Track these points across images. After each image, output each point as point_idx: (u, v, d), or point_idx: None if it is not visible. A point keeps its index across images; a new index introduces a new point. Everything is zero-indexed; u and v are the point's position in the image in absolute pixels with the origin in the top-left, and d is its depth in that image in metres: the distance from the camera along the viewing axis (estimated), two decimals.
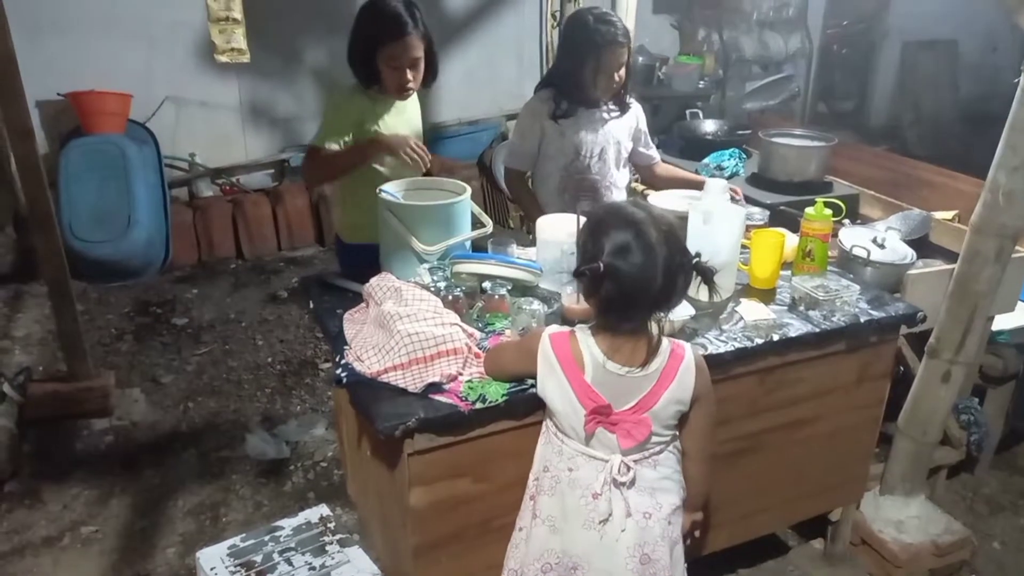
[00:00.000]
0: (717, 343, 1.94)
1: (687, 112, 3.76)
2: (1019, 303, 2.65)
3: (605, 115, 2.68)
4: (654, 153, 2.90)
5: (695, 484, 1.70)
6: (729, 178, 3.26)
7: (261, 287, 4.45)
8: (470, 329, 1.85)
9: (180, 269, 4.61)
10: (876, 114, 7.13)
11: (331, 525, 2.22)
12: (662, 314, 1.58)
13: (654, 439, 1.59)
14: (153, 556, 2.51)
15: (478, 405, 1.67)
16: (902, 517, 2.44)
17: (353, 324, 1.97)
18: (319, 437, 3.09)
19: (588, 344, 1.56)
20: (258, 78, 4.82)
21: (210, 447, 3.03)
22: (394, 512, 1.86)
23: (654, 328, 1.59)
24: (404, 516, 1.75)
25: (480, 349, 1.83)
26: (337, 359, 1.85)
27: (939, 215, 2.85)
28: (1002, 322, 2.69)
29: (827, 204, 2.31)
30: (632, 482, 1.57)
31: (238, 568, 1.93)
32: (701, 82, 5.62)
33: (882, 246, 2.55)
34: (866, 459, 2.38)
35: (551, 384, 1.59)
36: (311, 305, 2.20)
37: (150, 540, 2.57)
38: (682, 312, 1.96)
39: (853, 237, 2.56)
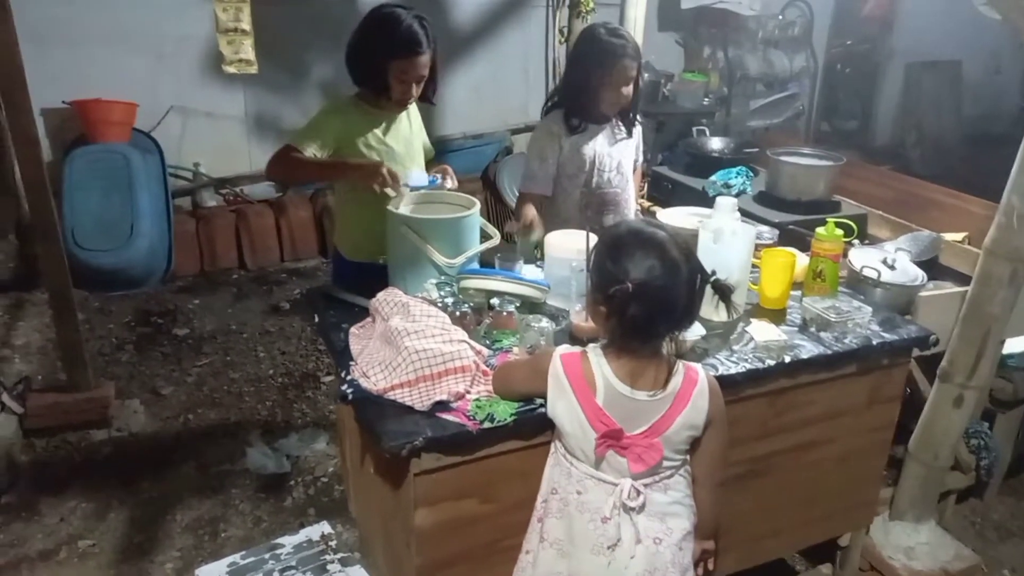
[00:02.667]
0: (728, 364, 1.91)
1: (694, 129, 3.74)
2: None
3: (616, 131, 2.67)
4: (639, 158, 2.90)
5: (704, 511, 1.67)
6: (736, 196, 3.24)
7: (263, 298, 4.43)
8: (478, 346, 1.82)
9: (182, 279, 4.59)
10: (880, 133, 7.13)
11: (332, 543, 2.20)
12: (678, 334, 1.56)
13: (665, 463, 1.55)
14: (151, 572, 2.47)
15: (486, 424, 1.64)
16: (912, 543, 2.41)
17: (359, 339, 1.95)
18: (320, 452, 3.05)
19: (600, 365, 1.54)
20: (264, 89, 4.82)
21: (210, 460, 3.00)
22: (398, 532, 1.83)
23: (667, 348, 1.56)
24: (409, 537, 1.72)
25: (488, 367, 1.81)
26: (343, 375, 1.82)
27: (949, 236, 2.83)
28: (1012, 345, 2.66)
29: (838, 224, 2.29)
30: (642, 507, 1.54)
31: None
32: (706, 99, 5.63)
33: (892, 267, 2.53)
34: (876, 483, 2.35)
35: (561, 405, 1.56)
36: (316, 319, 2.18)
37: (148, 555, 2.53)
38: (693, 332, 1.93)
39: (863, 258, 2.53)
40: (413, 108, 2.47)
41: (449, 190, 2.36)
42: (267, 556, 2.02)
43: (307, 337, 3.94)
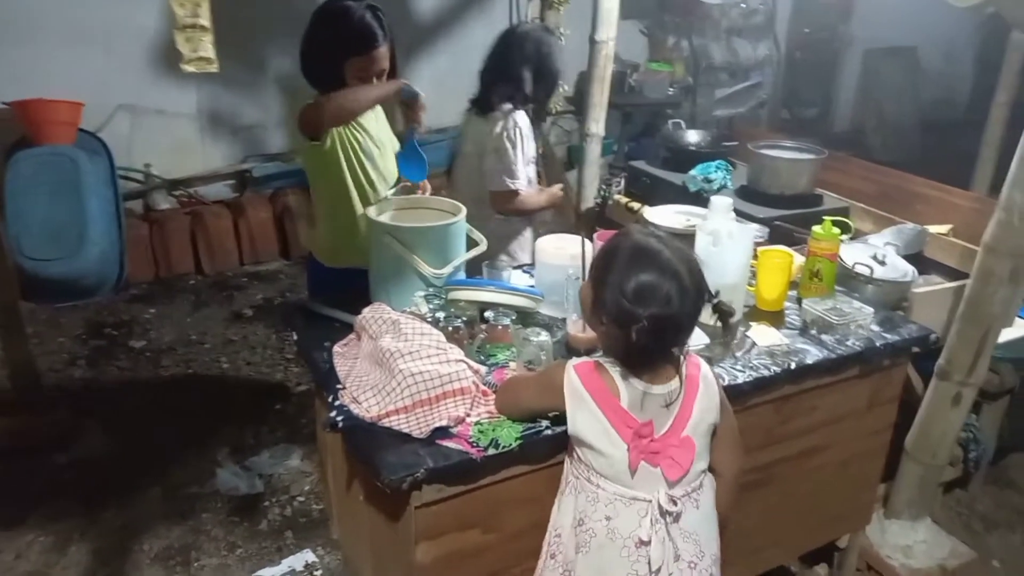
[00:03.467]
0: (734, 372, 1.84)
1: (670, 122, 3.66)
2: (1016, 319, 2.62)
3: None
4: None
5: (723, 507, 1.59)
6: (717, 191, 3.18)
7: (224, 305, 4.23)
8: (475, 365, 1.71)
9: (136, 287, 4.36)
10: (840, 120, 7.18)
11: (317, 573, 2.07)
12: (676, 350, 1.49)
13: (694, 466, 1.47)
14: None
15: (491, 451, 1.54)
16: (909, 542, 2.38)
17: (344, 359, 1.82)
18: (294, 469, 2.91)
19: (616, 371, 1.46)
20: (216, 85, 4.60)
21: (177, 482, 2.83)
22: (394, 566, 1.71)
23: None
24: (409, 572, 1.60)
25: (486, 385, 1.70)
26: (330, 400, 1.69)
27: (933, 229, 2.81)
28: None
29: (834, 223, 2.22)
30: (679, 516, 1.45)
31: None
32: (671, 89, 5.58)
33: (882, 263, 2.49)
34: (874, 484, 2.32)
35: (583, 418, 1.46)
36: (295, 337, 2.04)
37: None
38: (697, 340, 1.86)
39: (854, 254, 2.49)
40: None
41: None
42: None
43: (273, 346, 3.77)
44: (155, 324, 3.99)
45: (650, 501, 1.43)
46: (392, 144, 2.41)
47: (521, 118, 2.59)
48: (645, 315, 1.37)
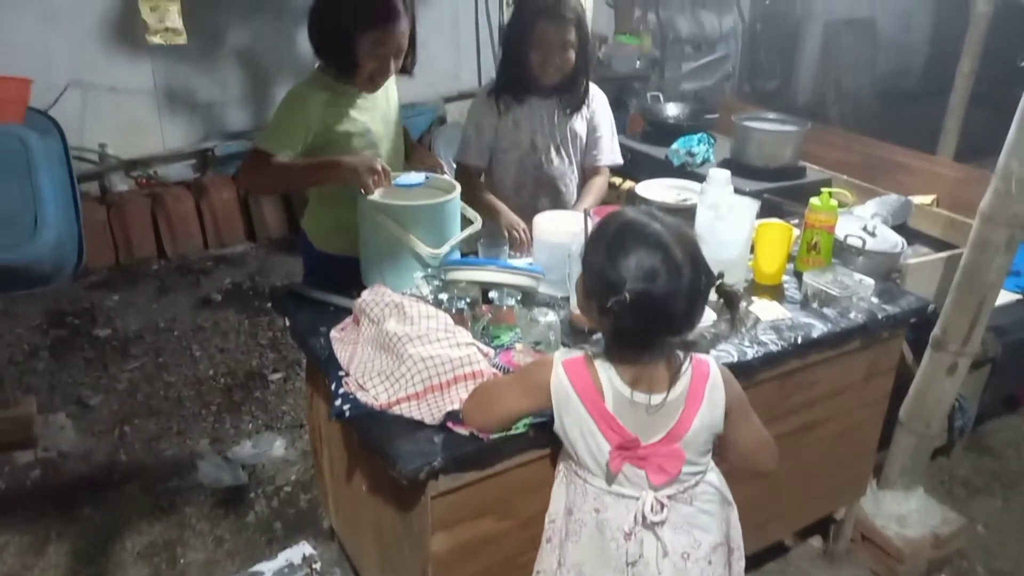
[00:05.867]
0: (743, 348, 1.82)
1: (648, 95, 3.62)
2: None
3: (561, 106, 2.42)
4: (604, 160, 2.55)
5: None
6: (700, 164, 3.15)
7: (190, 290, 4.08)
8: (485, 348, 1.65)
9: (96, 273, 4.17)
10: (801, 92, 7.22)
11: (316, 565, 2.02)
12: (678, 339, 1.41)
13: (687, 470, 1.41)
14: None
15: (500, 434, 1.49)
16: (903, 511, 2.40)
17: (343, 344, 1.74)
18: (278, 458, 2.82)
19: (607, 370, 1.38)
20: (174, 59, 4.39)
21: (155, 477, 2.72)
22: (405, 557, 1.66)
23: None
24: (424, 564, 1.55)
25: (494, 367, 1.64)
26: (333, 387, 1.62)
27: (917, 199, 2.82)
28: None
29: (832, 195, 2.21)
30: (665, 520, 1.40)
31: None
32: (638, 62, 5.53)
33: (873, 234, 2.49)
34: (870, 455, 2.33)
35: (569, 419, 1.40)
36: (287, 323, 1.95)
37: None
38: (703, 319, 1.82)
39: (844, 226, 2.48)
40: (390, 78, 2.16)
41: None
42: None
43: (246, 331, 3.65)
44: (119, 312, 3.83)
45: (637, 498, 1.38)
46: (396, 129, 2.26)
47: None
48: (626, 289, 1.28)
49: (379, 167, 1.91)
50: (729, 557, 1.53)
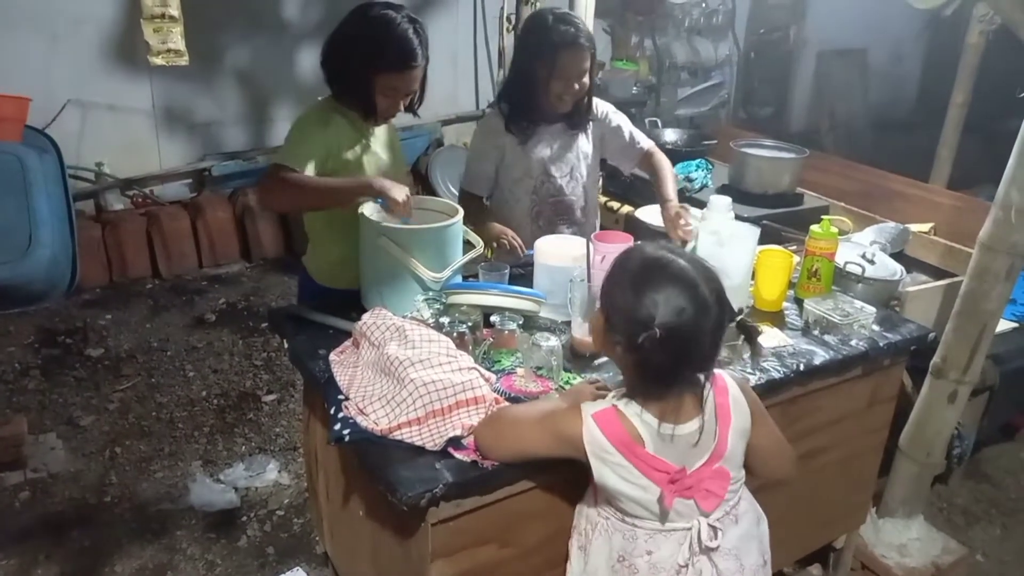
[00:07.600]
0: (746, 376, 1.80)
1: (646, 121, 3.64)
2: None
3: (571, 130, 2.42)
4: (644, 144, 2.57)
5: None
6: (699, 190, 3.16)
7: (184, 310, 4.05)
8: (487, 373, 1.64)
9: (89, 292, 4.15)
10: (795, 120, 7.29)
11: None
12: (701, 377, 1.40)
13: (731, 487, 1.43)
14: None
15: None
16: (904, 540, 2.39)
17: (343, 368, 1.72)
18: (271, 481, 2.78)
19: (638, 415, 1.37)
20: (173, 79, 4.40)
21: (146, 499, 2.68)
22: None
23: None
24: None
25: (496, 391, 1.63)
26: (332, 412, 1.60)
27: (914, 227, 2.84)
28: None
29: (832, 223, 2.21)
30: (719, 545, 1.40)
31: None
32: (635, 88, 5.57)
33: (872, 261, 2.50)
34: (871, 483, 2.31)
35: (609, 472, 1.38)
36: (286, 346, 1.93)
37: None
38: None
39: (844, 253, 2.49)
40: None
41: None
42: None
43: (240, 352, 3.62)
44: (112, 331, 3.80)
45: (689, 528, 1.38)
46: (399, 157, 2.28)
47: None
48: (656, 324, 1.28)
49: (408, 194, 1.92)
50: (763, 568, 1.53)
